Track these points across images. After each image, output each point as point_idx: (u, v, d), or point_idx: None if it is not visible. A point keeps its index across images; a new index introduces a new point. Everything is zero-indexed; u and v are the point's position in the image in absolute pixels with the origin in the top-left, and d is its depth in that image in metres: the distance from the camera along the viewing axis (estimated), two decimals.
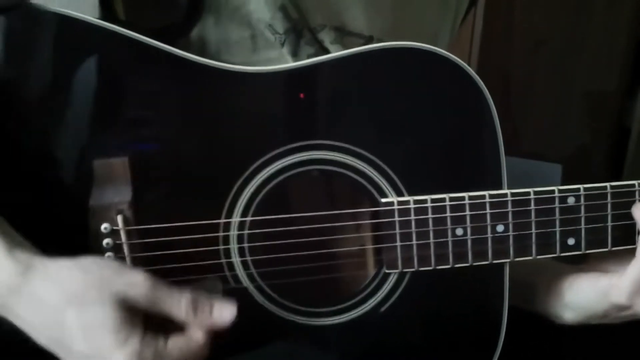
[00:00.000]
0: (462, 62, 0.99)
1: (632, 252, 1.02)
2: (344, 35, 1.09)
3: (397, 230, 1.01)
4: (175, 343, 0.88)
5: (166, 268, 0.97)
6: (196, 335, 0.89)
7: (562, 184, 1.03)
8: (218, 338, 0.93)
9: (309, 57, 1.07)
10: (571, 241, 1.03)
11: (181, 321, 0.89)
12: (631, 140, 2.87)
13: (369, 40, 1.10)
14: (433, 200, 1.01)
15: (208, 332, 0.90)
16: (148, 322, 0.87)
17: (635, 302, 1.02)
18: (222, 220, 0.99)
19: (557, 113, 2.80)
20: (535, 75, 2.73)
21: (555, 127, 2.80)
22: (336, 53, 1.00)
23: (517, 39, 2.66)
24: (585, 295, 1.07)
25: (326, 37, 1.08)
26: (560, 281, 1.10)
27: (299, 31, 1.06)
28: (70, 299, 0.86)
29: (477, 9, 2.50)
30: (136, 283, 0.87)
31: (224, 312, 0.91)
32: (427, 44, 0.99)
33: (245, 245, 1.00)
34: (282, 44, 1.06)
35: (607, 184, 1.02)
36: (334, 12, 1.08)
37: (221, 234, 0.99)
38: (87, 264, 0.88)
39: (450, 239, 1.02)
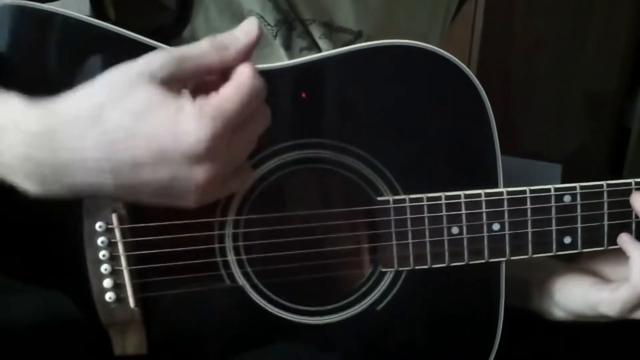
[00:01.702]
0: (458, 60, 0.99)
1: (623, 252, 1.03)
2: (332, 30, 1.08)
3: (393, 229, 1.01)
4: (227, 88, 0.78)
5: (161, 267, 0.97)
6: (242, 71, 0.80)
7: (565, 184, 1.03)
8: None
9: (301, 50, 1.07)
10: (567, 240, 1.03)
11: (216, 66, 0.81)
12: (631, 140, 2.87)
13: (358, 35, 1.10)
14: (429, 199, 1.00)
15: (247, 58, 0.82)
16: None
17: (626, 317, 1.03)
18: (217, 219, 0.99)
19: (557, 113, 2.80)
20: (535, 75, 2.74)
21: (555, 127, 2.81)
22: (331, 51, 1.00)
23: (517, 39, 2.66)
24: (574, 301, 1.08)
25: (315, 32, 1.08)
26: (552, 281, 1.10)
27: (290, 23, 1.06)
28: (103, 105, 0.76)
29: (477, 9, 2.50)
30: (154, 55, 0.79)
31: (249, 27, 0.83)
32: (419, 40, 0.99)
33: (241, 243, 1.00)
34: (275, 36, 1.05)
35: (604, 182, 1.02)
36: (322, 8, 1.08)
37: (216, 232, 0.99)
38: (102, 75, 0.79)
39: (446, 237, 1.02)
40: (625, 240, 1.03)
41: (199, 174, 0.77)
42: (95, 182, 0.79)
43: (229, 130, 0.77)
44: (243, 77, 0.79)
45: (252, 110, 0.80)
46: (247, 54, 0.81)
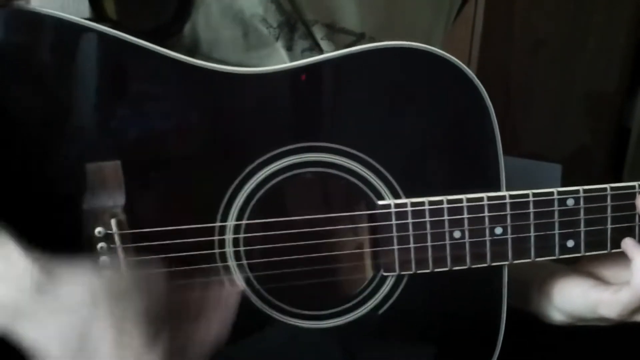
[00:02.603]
0: (460, 62, 0.98)
1: (624, 255, 1.03)
2: (334, 32, 1.08)
3: (394, 233, 1.01)
4: (200, 326, 0.87)
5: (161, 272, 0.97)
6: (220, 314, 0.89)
7: (562, 184, 1.02)
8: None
9: (303, 51, 1.07)
10: (570, 243, 1.03)
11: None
12: (631, 140, 2.87)
13: (360, 37, 1.09)
14: (430, 203, 1.00)
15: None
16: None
17: (625, 320, 1.03)
18: (218, 224, 0.98)
19: (557, 113, 2.80)
20: (535, 75, 2.74)
21: (555, 127, 2.81)
22: (332, 53, 1.00)
23: (517, 39, 2.66)
24: (573, 303, 1.08)
25: (317, 33, 1.07)
26: (552, 283, 1.10)
27: (293, 24, 1.05)
28: (100, 302, 0.82)
29: (477, 9, 2.50)
30: (152, 281, 0.87)
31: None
32: (421, 42, 0.99)
33: (241, 248, 1.00)
34: (277, 38, 1.05)
35: (607, 186, 1.02)
36: (326, 9, 1.07)
37: (217, 237, 0.99)
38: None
39: (448, 241, 1.01)
40: (629, 244, 1.03)
41: None
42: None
43: None
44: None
45: None
46: None
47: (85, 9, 1.05)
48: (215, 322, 0.89)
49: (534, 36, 2.67)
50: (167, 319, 0.84)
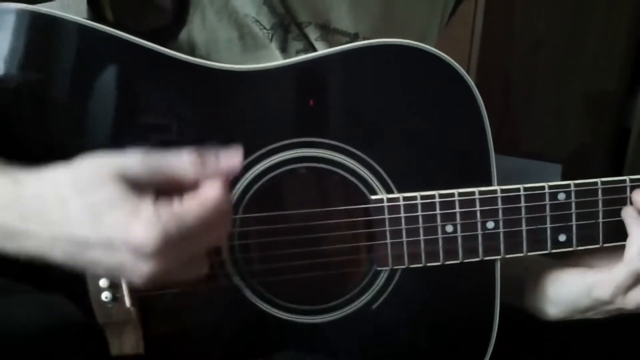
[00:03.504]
0: (451, 59, 0.99)
1: (619, 248, 1.03)
2: (329, 32, 1.09)
3: (387, 228, 1.01)
4: (192, 200, 0.82)
5: None
6: (211, 188, 0.83)
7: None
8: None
9: (297, 52, 1.07)
10: (562, 237, 1.03)
11: (189, 179, 0.84)
12: (631, 140, 2.87)
13: (354, 37, 1.10)
14: (422, 197, 1.00)
15: (223, 182, 0.85)
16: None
17: (617, 300, 1.03)
18: None
19: (557, 113, 2.79)
20: (535, 75, 2.73)
21: (555, 127, 2.80)
22: (325, 50, 1.00)
23: (517, 39, 2.66)
24: (568, 290, 1.08)
25: (311, 34, 1.08)
26: (545, 276, 1.10)
27: (286, 26, 1.06)
28: (69, 191, 0.81)
29: (477, 9, 2.50)
30: (131, 156, 0.84)
31: (231, 156, 0.86)
32: (415, 40, 0.99)
33: (236, 243, 1.00)
34: (270, 40, 1.06)
35: (598, 180, 1.02)
36: (319, 10, 1.08)
37: None
38: (78, 160, 0.84)
39: (440, 236, 1.02)
40: (630, 214, 1.03)
41: (145, 268, 0.81)
42: (46, 253, 0.83)
43: (182, 238, 0.80)
44: (210, 195, 0.83)
45: (210, 226, 0.83)
46: (224, 174, 0.85)
47: (85, 9, 1.06)
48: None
49: (534, 36, 2.67)
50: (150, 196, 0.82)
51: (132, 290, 0.99)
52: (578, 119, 2.86)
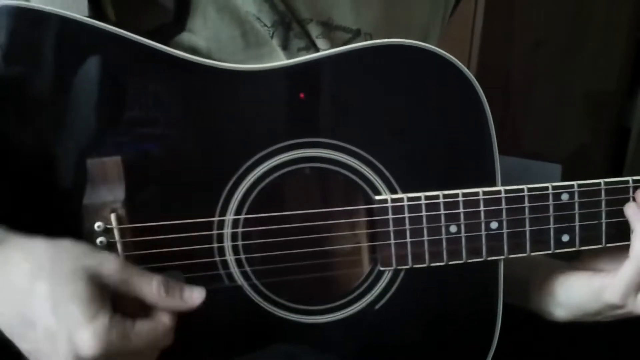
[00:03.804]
0: (455, 59, 0.99)
1: (625, 249, 1.02)
2: (331, 29, 1.08)
3: (391, 228, 1.01)
4: (142, 325, 0.88)
5: (160, 267, 0.97)
6: (164, 319, 0.91)
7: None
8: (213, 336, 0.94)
9: (299, 50, 1.07)
10: (565, 238, 1.03)
11: (151, 302, 0.90)
12: (631, 140, 2.87)
13: (356, 33, 1.09)
14: (427, 198, 1.00)
15: (175, 316, 0.92)
16: (116, 307, 0.88)
17: (628, 302, 1.02)
18: (216, 219, 0.99)
19: (557, 113, 2.80)
20: (535, 75, 2.73)
21: (555, 127, 2.81)
22: (329, 50, 1.00)
23: (517, 39, 2.66)
24: (577, 294, 1.07)
25: (312, 31, 1.08)
26: (553, 279, 1.10)
27: (287, 23, 1.05)
28: (42, 272, 0.85)
29: (477, 9, 2.50)
30: (109, 260, 0.88)
31: (194, 294, 0.93)
32: (418, 38, 1.00)
33: (239, 243, 1.00)
34: (271, 37, 1.06)
35: (601, 180, 1.02)
36: (321, 7, 1.07)
37: (215, 232, 0.99)
38: (61, 242, 0.89)
39: (444, 236, 1.02)
40: (633, 210, 1.03)
41: None
42: None
43: (121, 355, 0.86)
44: (163, 328, 0.91)
45: (152, 351, 0.92)
46: (181, 309, 0.93)
47: (84, 8, 1.06)
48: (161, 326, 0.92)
49: (534, 36, 2.67)
50: (109, 306, 0.87)
51: None
52: (578, 119, 2.86)
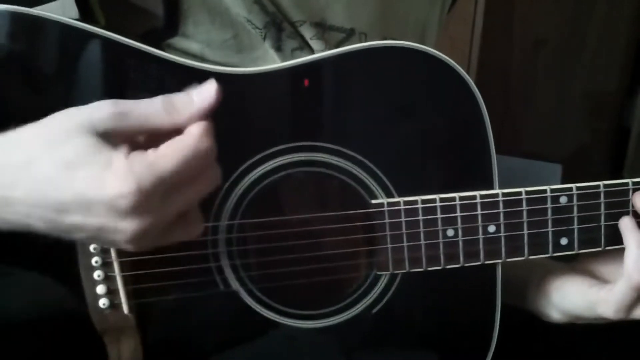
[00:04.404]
0: (452, 61, 0.98)
1: (623, 252, 1.02)
2: (325, 30, 1.08)
3: (388, 232, 1.01)
4: (167, 146, 0.77)
5: (155, 272, 0.97)
6: (189, 130, 0.79)
7: (562, 184, 1.02)
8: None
9: (293, 50, 1.07)
10: (564, 241, 1.03)
11: (163, 124, 0.80)
12: (631, 140, 2.87)
13: (351, 33, 1.09)
14: (423, 201, 1.00)
15: (200, 120, 0.81)
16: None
17: (621, 317, 1.02)
18: (210, 224, 0.98)
19: (557, 113, 2.80)
20: (535, 75, 2.74)
21: (555, 127, 2.81)
22: (323, 53, 1.00)
23: (517, 39, 2.66)
24: (572, 302, 1.07)
25: (306, 33, 1.07)
26: (549, 282, 1.10)
27: (279, 24, 1.05)
28: (36, 149, 0.77)
29: (477, 9, 2.50)
30: (99, 106, 0.79)
31: (206, 91, 0.82)
32: (415, 37, 1.00)
33: (234, 248, 1.00)
34: (264, 39, 1.05)
35: (600, 183, 1.02)
36: (314, 9, 1.07)
37: (210, 237, 0.99)
38: (46, 118, 0.80)
39: (441, 240, 1.01)
40: (626, 226, 1.02)
41: (126, 226, 0.77)
42: (25, 222, 0.79)
43: (162, 188, 0.76)
44: (188, 137, 0.78)
45: (194, 170, 0.79)
46: (201, 117, 0.80)
47: (70, 14, 1.05)
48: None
49: (534, 36, 2.67)
50: (123, 147, 0.77)
51: (130, 297, 0.98)
52: (578, 119, 2.86)
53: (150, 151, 0.76)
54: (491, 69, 2.60)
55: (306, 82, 1.00)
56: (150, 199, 0.75)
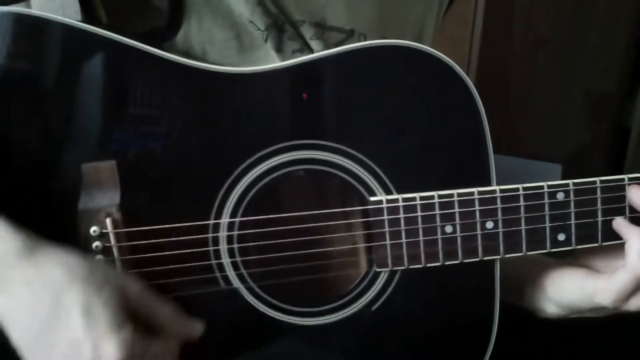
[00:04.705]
0: (448, 58, 0.99)
1: (619, 247, 1.03)
2: (324, 30, 1.08)
3: (387, 229, 1.01)
4: (157, 344, 0.90)
5: (156, 270, 0.97)
6: (172, 343, 0.93)
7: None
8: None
9: (293, 52, 1.07)
10: (561, 237, 1.03)
11: (162, 324, 0.92)
12: (631, 140, 2.87)
13: (350, 33, 1.10)
14: (422, 198, 1.00)
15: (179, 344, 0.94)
16: None
17: (619, 306, 1.03)
18: (211, 222, 0.99)
19: (557, 113, 2.80)
20: (535, 75, 2.74)
21: (555, 127, 2.81)
22: (322, 52, 1.00)
23: (517, 39, 2.66)
24: (568, 293, 1.07)
25: (306, 33, 1.08)
26: (545, 276, 1.10)
27: (281, 26, 1.06)
28: (77, 281, 0.86)
29: (477, 9, 2.50)
30: (134, 281, 0.91)
31: (196, 325, 0.97)
32: (412, 37, 1.00)
33: (235, 245, 1.00)
34: (265, 40, 1.06)
35: (597, 179, 1.02)
36: (314, 8, 1.08)
37: (210, 235, 0.99)
38: (92, 257, 0.93)
39: (439, 236, 1.01)
40: (620, 224, 1.03)
41: None
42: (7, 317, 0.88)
43: None
44: (173, 349, 0.93)
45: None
46: (186, 337, 0.96)
47: (70, 12, 1.06)
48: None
49: (534, 36, 2.67)
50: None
51: None
52: (578, 119, 2.86)
53: (148, 339, 0.89)
54: (491, 69, 2.60)
55: (303, 81, 1.00)
56: None
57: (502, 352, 1.07)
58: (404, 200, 1.01)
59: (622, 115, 2.92)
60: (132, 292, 0.89)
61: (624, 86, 2.88)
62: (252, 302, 1.03)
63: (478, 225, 1.01)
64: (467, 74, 1.00)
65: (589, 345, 1.21)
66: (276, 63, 1.05)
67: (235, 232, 1.00)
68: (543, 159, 2.62)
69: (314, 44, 1.08)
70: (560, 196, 1.02)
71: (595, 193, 1.02)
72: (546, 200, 1.01)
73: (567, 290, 1.07)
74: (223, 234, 1.00)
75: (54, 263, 0.87)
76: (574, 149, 2.86)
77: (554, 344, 1.22)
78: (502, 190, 1.01)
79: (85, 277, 0.86)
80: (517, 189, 1.01)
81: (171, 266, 0.99)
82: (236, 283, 1.02)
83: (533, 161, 2.57)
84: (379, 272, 1.04)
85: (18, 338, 0.87)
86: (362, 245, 1.04)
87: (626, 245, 1.02)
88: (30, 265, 0.87)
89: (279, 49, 1.07)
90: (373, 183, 1.01)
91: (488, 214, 1.01)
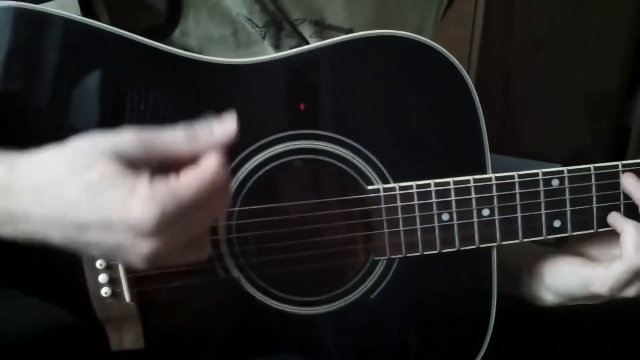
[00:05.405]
0: (441, 47, 0.99)
1: (613, 234, 1.04)
2: (323, 29, 1.09)
3: (384, 217, 1.02)
4: (188, 175, 0.80)
5: None
6: (207, 161, 0.81)
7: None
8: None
9: (291, 49, 1.07)
10: (557, 223, 1.04)
11: (184, 153, 0.82)
12: (631, 140, 2.87)
13: (349, 32, 1.10)
14: (418, 186, 1.01)
15: (218, 152, 0.82)
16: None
17: (615, 294, 1.04)
18: None
19: (557, 113, 2.80)
20: (535, 75, 2.74)
21: (555, 127, 2.81)
22: (319, 43, 1.01)
23: (517, 39, 2.66)
24: (566, 282, 1.08)
25: (305, 31, 1.09)
26: (542, 264, 1.10)
27: (279, 24, 1.06)
28: (63, 171, 0.79)
29: (477, 9, 2.51)
30: (124, 134, 0.82)
31: (225, 123, 0.83)
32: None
33: (234, 235, 1.01)
34: (263, 37, 1.06)
35: (591, 166, 1.03)
36: (314, 7, 1.09)
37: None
38: (71, 140, 0.82)
39: (436, 224, 1.02)
40: (615, 217, 1.04)
41: (144, 247, 0.79)
42: (44, 235, 0.82)
43: (181, 213, 0.79)
44: (207, 168, 0.81)
45: (209, 199, 0.81)
46: (218, 148, 0.83)
47: (70, 11, 1.06)
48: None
49: (534, 36, 2.68)
50: (146, 173, 0.80)
51: (132, 285, 1.00)
52: (578, 119, 2.86)
53: (172, 179, 0.79)
54: (491, 69, 2.60)
55: (300, 71, 1.01)
56: (171, 223, 0.78)
57: (502, 352, 1.07)
58: (401, 188, 1.01)
59: (622, 116, 2.92)
60: (128, 144, 0.81)
61: (623, 86, 2.88)
62: (251, 292, 1.03)
63: (474, 212, 1.02)
64: (467, 74, 1.01)
65: (589, 345, 1.21)
66: None
67: (234, 222, 1.01)
68: (543, 159, 2.61)
69: (312, 42, 1.08)
70: (555, 183, 1.03)
71: (590, 180, 1.03)
72: (541, 188, 1.02)
73: (565, 279, 1.08)
74: (221, 224, 1.00)
75: (37, 170, 0.81)
76: (574, 149, 2.86)
77: (554, 344, 1.22)
78: (497, 178, 1.01)
79: (71, 166, 0.79)
80: (512, 177, 1.02)
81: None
82: (236, 273, 1.02)
83: (533, 161, 2.57)
84: (377, 261, 1.04)
85: (68, 245, 0.83)
86: (360, 234, 1.05)
87: (621, 237, 1.02)
88: (18, 188, 0.82)
89: (277, 46, 1.07)
90: (370, 172, 1.02)
91: (484, 202, 1.02)
